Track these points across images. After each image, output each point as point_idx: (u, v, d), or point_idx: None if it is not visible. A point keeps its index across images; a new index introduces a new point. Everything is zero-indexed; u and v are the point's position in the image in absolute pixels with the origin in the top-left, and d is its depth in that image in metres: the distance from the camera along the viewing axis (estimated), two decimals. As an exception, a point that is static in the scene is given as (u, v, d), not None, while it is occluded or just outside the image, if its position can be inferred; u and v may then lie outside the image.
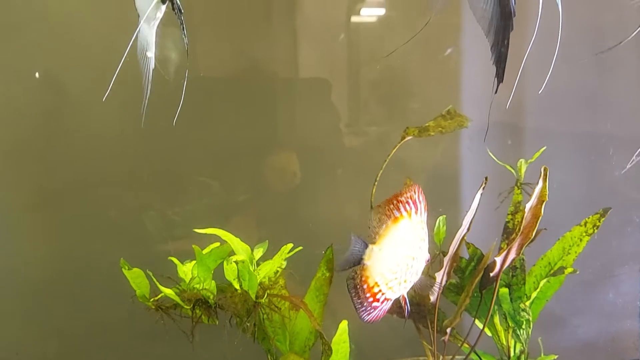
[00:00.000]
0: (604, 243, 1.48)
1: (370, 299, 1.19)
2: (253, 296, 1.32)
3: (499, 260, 1.40)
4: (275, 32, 2.02)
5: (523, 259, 1.59)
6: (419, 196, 1.17)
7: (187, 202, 2.02)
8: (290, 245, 1.39)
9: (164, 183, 1.97)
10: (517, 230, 1.35)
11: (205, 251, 1.39)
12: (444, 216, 1.51)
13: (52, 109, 1.82)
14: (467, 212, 1.38)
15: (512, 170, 1.70)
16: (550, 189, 1.35)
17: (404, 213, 1.16)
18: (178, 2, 1.08)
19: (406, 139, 1.67)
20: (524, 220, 1.32)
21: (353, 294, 1.19)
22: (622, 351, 1.80)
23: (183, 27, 1.13)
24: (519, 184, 1.68)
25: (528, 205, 1.31)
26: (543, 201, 1.29)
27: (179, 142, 1.93)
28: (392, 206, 1.17)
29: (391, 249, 1.17)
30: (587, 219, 1.49)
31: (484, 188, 1.34)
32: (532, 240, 1.44)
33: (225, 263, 1.30)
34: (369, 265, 1.16)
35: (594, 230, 1.48)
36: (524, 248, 1.41)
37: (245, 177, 2.05)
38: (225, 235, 1.37)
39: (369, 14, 2.08)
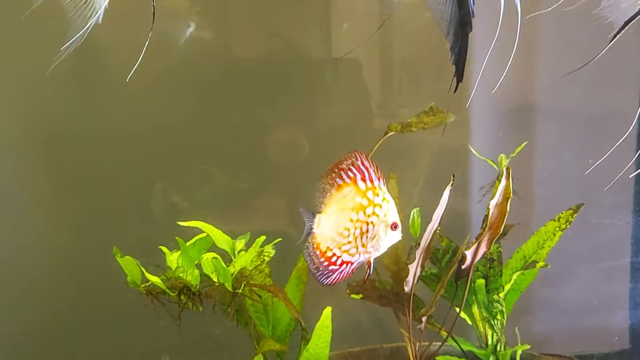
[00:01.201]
0: (560, 243, 1.42)
1: (326, 263, 1.18)
2: (229, 287, 1.30)
3: (469, 253, 1.35)
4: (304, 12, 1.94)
5: (500, 252, 1.53)
6: (362, 162, 1.13)
7: (199, 188, 2.00)
8: (263, 238, 1.37)
9: (172, 170, 1.95)
10: (484, 226, 1.29)
11: (189, 243, 1.38)
12: (418, 208, 1.46)
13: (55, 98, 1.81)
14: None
15: (494, 165, 1.63)
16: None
17: (347, 180, 1.13)
18: None
19: (389, 134, 1.61)
20: (490, 217, 1.26)
21: (309, 262, 1.18)
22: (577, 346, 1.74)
23: None
24: (500, 178, 1.61)
25: (493, 202, 1.25)
26: (508, 198, 1.23)
27: (193, 127, 1.90)
28: (334, 175, 1.14)
29: (338, 215, 1.15)
30: (560, 214, 1.42)
31: (452, 184, 1.28)
32: (503, 235, 1.39)
33: (201, 258, 1.29)
34: (319, 232, 1.16)
35: (566, 225, 1.40)
36: (493, 242, 1.35)
37: (260, 162, 1.99)
38: (206, 228, 1.35)
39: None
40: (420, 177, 2.10)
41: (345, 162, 1.13)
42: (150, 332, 1.57)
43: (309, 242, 1.17)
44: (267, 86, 1.94)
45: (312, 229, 1.15)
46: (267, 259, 1.50)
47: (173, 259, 1.39)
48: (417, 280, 1.44)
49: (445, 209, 1.33)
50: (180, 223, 1.36)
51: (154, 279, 1.35)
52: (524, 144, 1.61)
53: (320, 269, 1.17)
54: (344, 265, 1.20)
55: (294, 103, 1.98)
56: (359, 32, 1.96)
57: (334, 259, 1.18)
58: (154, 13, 0.99)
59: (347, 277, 1.22)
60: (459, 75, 1.06)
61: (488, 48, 1.13)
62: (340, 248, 1.17)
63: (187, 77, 1.89)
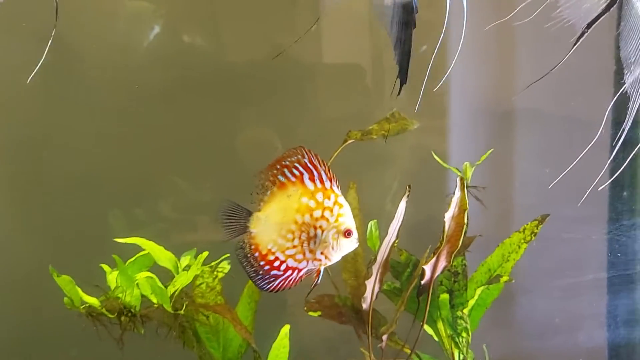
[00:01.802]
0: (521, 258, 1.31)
1: (267, 267, 1.05)
2: (168, 308, 1.18)
3: (428, 268, 1.23)
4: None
5: (465, 265, 1.41)
6: (310, 160, 1.00)
7: (163, 198, 1.88)
8: (206, 254, 1.25)
9: (135, 180, 1.83)
10: (441, 239, 1.18)
11: (129, 261, 1.26)
12: (375, 220, 1.34)
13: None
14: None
15: (459, 173, 1.52)
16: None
17: (292, 178, 1.01)
18: None
19: (348, 142, 1.50)
20: (448, 230, 1.15)
21: (245, 264, 1.05)
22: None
23: None
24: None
25: (448, 215, 1.14)
26: (464, 210, 1.12)
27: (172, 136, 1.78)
28: (275, 171, 1.01)
29: (280, 216, 1.02)
30: (525, 225, 1.31)
31: (408, 196, 1.17)
32: (465, 248, 1.28)
33: (138, 279, 1.17)
34: (257, 233, 1.03)
35: (531, 237, 1.29)
36: (457, 255, 1.24)
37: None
38: (145, 244, 1.23)
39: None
40: (394, 184, 2.00)
41: (289, 159, 1.00)
42: (97, 355, 1.45)
43: (244, 243, 1.03)
44: (236, 92, 1.84)
45: (247, 227, 1.03)
46: (220, 275, 1.39)
47: (112, 278, 1.27)
48: (377, 296, 1.32)
49: (402, 221, 1.22)
50: (118, 240, 1.24)
51: (90, 300, 1.23)
52: (490, 151, 1.50)
53: (260, 273, 1.03)
54: (290, 272, 1.05)
55: (266, 109, 1.87)
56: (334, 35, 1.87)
57: (276, 264, 1.04)
58: (56, 9, 0.88)
59: (295, 284, 1.09)
60: (402, 76, 0.95)
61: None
62: (284, 252, 1.04)
63: (150, 84, 1.78)
